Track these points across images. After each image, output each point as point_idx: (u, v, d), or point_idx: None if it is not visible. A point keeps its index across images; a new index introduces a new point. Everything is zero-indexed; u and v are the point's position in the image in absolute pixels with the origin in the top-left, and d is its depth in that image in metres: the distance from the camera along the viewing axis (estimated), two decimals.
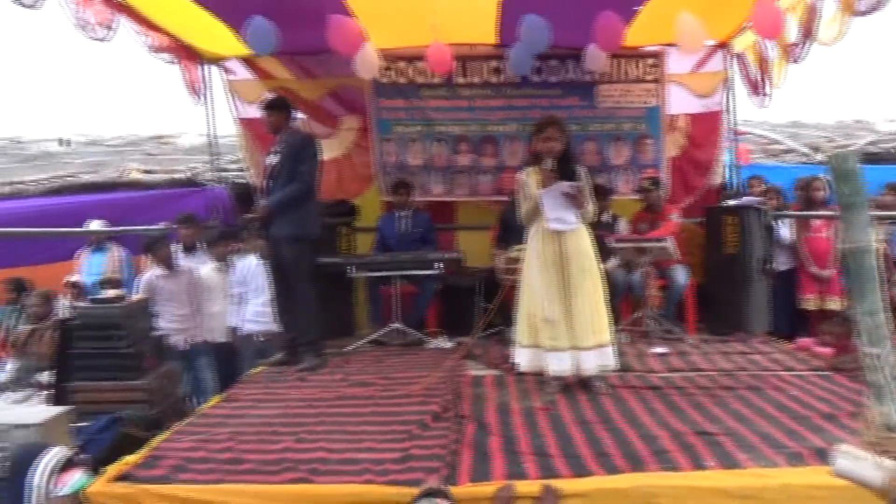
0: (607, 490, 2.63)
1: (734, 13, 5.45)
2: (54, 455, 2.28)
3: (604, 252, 4.61)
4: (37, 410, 3.26)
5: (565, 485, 2.62)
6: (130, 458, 2.98)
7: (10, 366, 5.17)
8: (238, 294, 5.46)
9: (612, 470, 2.77)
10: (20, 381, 4.94)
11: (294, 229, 4.59)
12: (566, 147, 4.05)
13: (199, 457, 3.06)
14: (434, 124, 6.61)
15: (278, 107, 4.84)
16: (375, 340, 5.42)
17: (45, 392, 4.47)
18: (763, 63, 6.05)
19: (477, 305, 5.67)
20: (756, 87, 6.27)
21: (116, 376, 4.10)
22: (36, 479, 2.19)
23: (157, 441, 3.30)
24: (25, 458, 2.24)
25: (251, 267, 5.43)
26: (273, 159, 4.71)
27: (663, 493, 2.59)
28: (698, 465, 2.77)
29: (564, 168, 4.00)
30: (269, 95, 6.53)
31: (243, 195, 6.77)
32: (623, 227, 5.94)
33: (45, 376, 4.64)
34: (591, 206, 4.03)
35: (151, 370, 4.24)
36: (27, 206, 6.82)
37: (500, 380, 4.28)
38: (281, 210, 4.58)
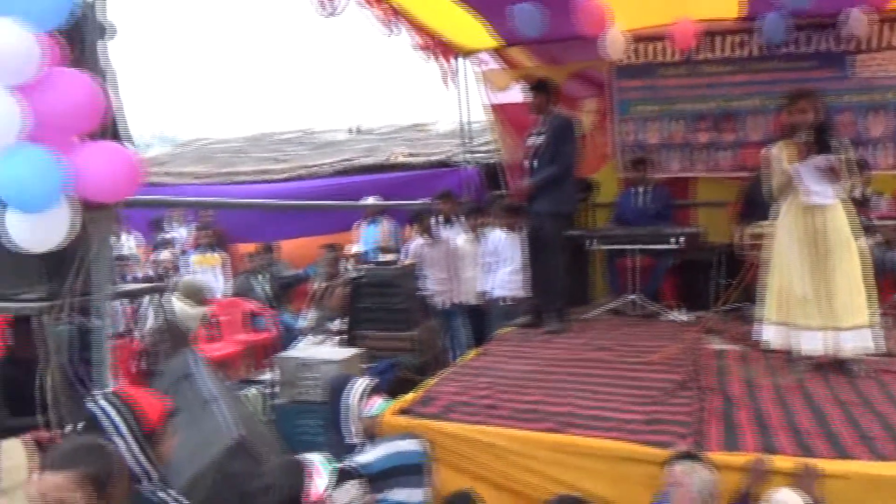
0: (873, 476, 2.33)
1: None
2: (362, 383, 2.58)
3: (860, 229, 4.06)
4: (338, 351, 3.70)
5: (826, 465, 2.38)
6: (409, 397, 3.26)
7: (310, 315, 5.93)
8: (488, 263, 5.67)
9: (879, 456, 2.46)
10: (317, 328, 5.64)
11: (554, 206, 4.65)
12: (821, 119, 3.62)
13: (464, 400, 3.25)
14: (673, 103, 6.26)
15: (543, 89, 4.81)
16: (613, 310, 5.32)
17: (337, 337, 5.04)
18: None
19: (715, 280, 5.32)
20: None
21: (392, 327, 4.51)
22: (349, 402, 2.50)
23: (428, 384, 3.57)
24: (340, 385, 2.57)
25: (501, 239, 5.61)
26: (536, 140, 4.76)
27: None
28: None
29: (819, 140, 3.58)
30: (517, 83, 6.70)
31: (491, 174, 7.01)
32: (883, 203, 5.17)
33: (336, 324, 5.24)
34: (849, 180, 3.57)
35: (419, 324, 4.60)
36: (320, 185, 7.72)
37: (743, 355, 3.98)
38: (543, 188, 4.65)
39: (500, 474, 2.80)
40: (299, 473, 1.92)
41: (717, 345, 4.24)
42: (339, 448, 2.35)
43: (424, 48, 6.10)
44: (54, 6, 2.08)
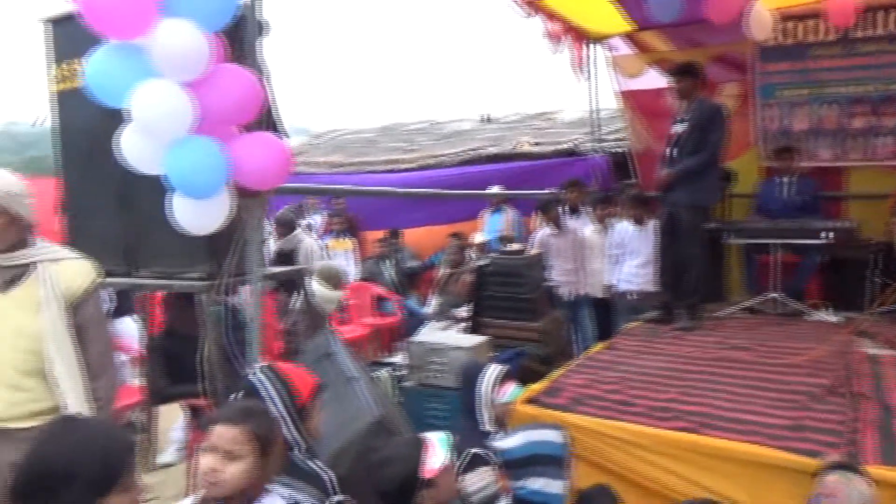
0: None
1: None
2: (494, 370, 2.61)
3: None
4: (467, 337, 3.75)
5: None
6: (535, 387, 3.26)
7: (435, 301, 6.06)
8: (615, 255, 5.53)
9: None
10: (442, 314, 5.76)
11: (693, 197, 4.45)
12: None
13: (592, 394, 3.21)
14: (824, 86, 5.78)
15: (688, 72, 4.58)
16: (750, 308, 5.03)
17: (461, 324, 5.12)
18: None
19: (870, 280, 4.89)
20: None
21: (517, 317, 4.52)
22: (483, 388, 2.54)
23: (554, 375, 3.55)
24: (473, 372, 2.61)
25: (628, 231, 5.45)
26: (679, 128, 4.54)
27: None
28: None
29: None
30: (650, 68, 6.47)
31: (620, 163, 6.82)
32: None
33: (460, 311, 5.32)
34: None
35: (544, 315, 4.57)
36: (446, 175, 7.82)
37: None
38: (684, 178, 4.45)
39: (631, 471, 2.75)
40: (417, 449, 1.99)
41: (871, 349, 3.90)
42: (473, 434, 2.39)
43: (555, 35, 6.02)
44: (222, 8, 2.26)
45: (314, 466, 1.90)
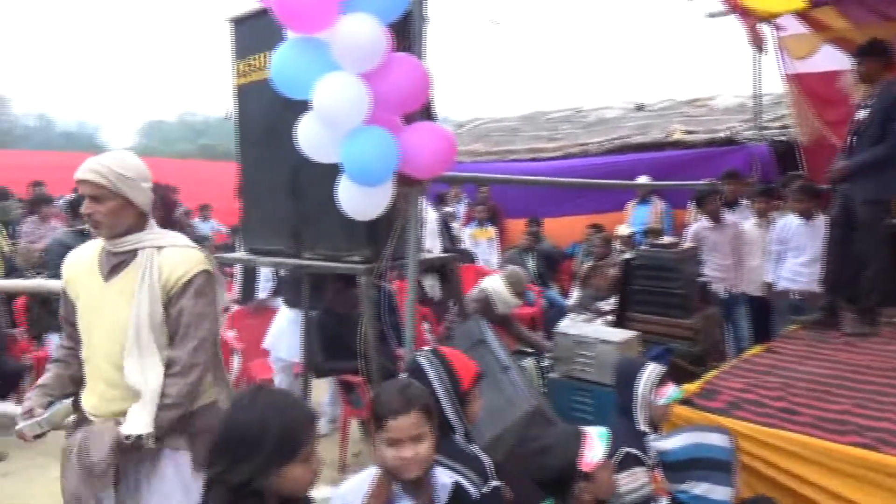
0: None
1: None
2: (652, 370, 2.53)
3: None
4: (616, 332, 3.66)
5: None
6: (689, 387, 3.13)
7: (576, 293, 5.97)
8: (776, 251, 5.15)
9: None
10: (583, 307, 5.66)
11: (875, 192, 4.04)
12: None
13: (752, 399, 3.04)
14: None
15: (874, 52, 4.11)
16: None
17: (604, 318, 5.00)
18: None
19: None
20: None
21: (666, 313, 4.32)
22: (640, 389, 2.48)
23: (709, 376, 3.38)
24: (630, 370, 2.55)
25: (791, 226, 5.05)
26: (862, 114, 4.12)
27: None
28: None
29: None
30: (821, 49, 5.95)
31: (784, 153, 6.33)
32: None
33: (604, 305, 5.20)
34: None
35: (696, 312, 4.35)
36: (591, 164, 7.62)
37: None
38: (862, 171, 4.06)
39: (794, 484, 2.57)
40: (577, 441, 1.98)
41: None
42: (628, 434, 2.33)
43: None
44: (395, 2, 2.35)
45: (474, 450, 1.95)
